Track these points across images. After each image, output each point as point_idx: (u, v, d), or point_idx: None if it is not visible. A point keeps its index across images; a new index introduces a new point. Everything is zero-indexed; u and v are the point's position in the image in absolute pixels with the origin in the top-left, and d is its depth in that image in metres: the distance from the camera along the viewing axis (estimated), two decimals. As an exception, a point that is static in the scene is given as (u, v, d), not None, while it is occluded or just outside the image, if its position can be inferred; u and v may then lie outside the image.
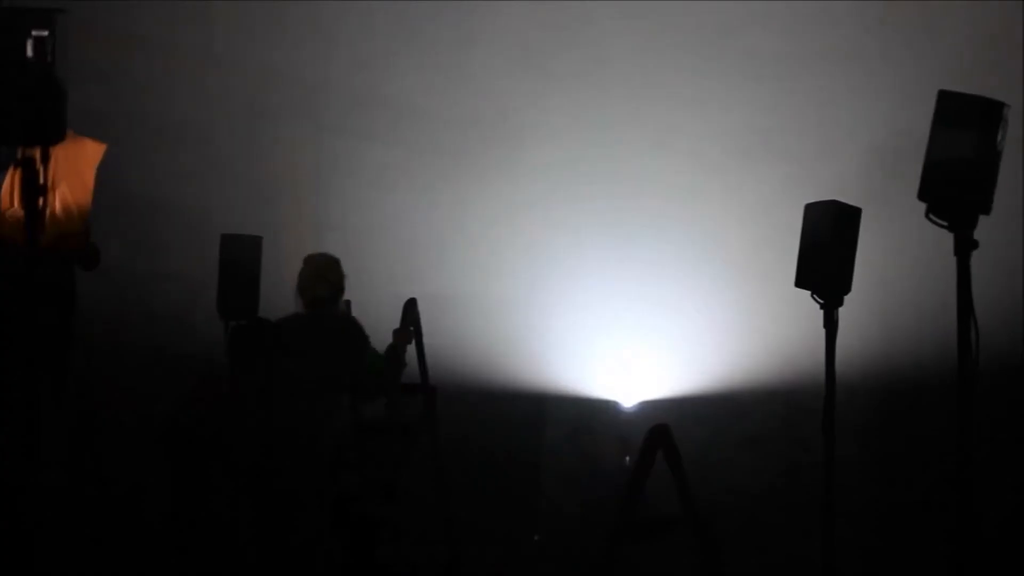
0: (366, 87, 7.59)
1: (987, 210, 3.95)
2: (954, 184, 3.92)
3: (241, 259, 6.25)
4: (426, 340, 6.11)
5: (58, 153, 4.10)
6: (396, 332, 6.00)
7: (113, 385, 6.95)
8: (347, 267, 6.08)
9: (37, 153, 3.92)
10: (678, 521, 5.81)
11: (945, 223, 3.94)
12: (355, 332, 5.82)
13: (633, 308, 7.62)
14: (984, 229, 3.96)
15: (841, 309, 5.27)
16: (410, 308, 6.05)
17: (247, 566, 5.29)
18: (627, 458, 6.02)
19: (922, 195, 4.01)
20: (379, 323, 6.24)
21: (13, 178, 4.53)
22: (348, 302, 6.02)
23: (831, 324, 5.20)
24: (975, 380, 3.93)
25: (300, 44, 7.57)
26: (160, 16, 7.54)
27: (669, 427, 5.93)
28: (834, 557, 5.06)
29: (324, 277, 5.92)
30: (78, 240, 5.21)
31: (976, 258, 3.94)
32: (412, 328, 6.02)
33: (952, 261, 3.94)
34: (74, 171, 5.15)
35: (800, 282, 5.37)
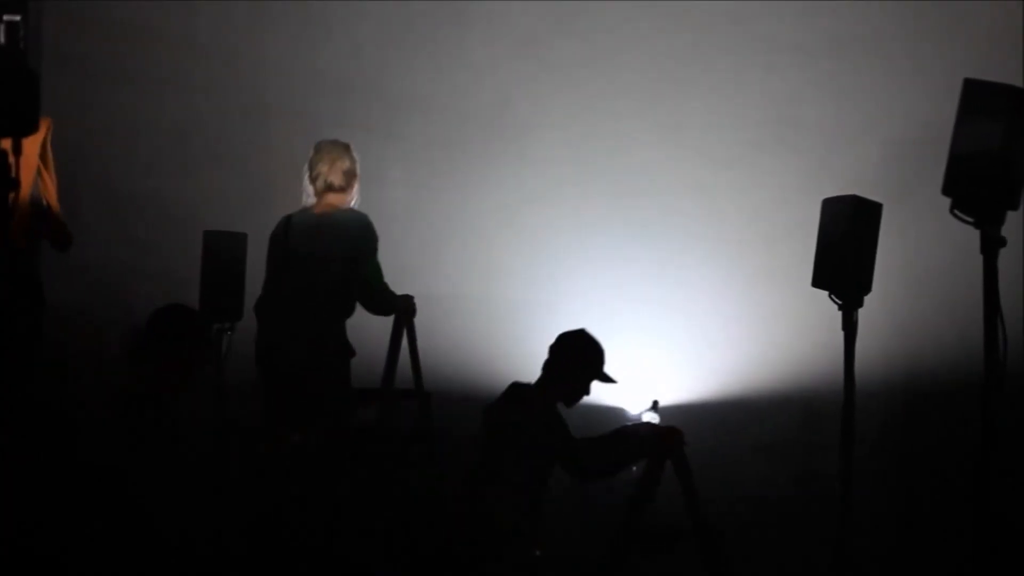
0: (359, 76, 7.58)
1: (1015, 205, 3.92)
2: (980, 178, 3.90)
3: (226, 258, 6.24)
4: (421, 343, 6.10)
5: None
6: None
7: (86, 388, 6.93)
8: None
9: (8, 144, 3.91)
10: (687, 533, 5.79)
11: (971, 219, 3.92)
12: (368, 233, 5.85)
13: (640, 309, 7.60)
14: (1012, 226, 3.94)
15: (861, 310, 5.25)
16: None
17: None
18: (634, 467, 6.00)
19: (946, 190, 3.99)
20: (372, 322, 6.23)
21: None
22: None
23: (850, 326, 5.19)
24: (1002, 385, 3.91)
25: (289, 32, 7.57)
26: (142, 1, 7.53)
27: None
28: (850, 570, 5.05)
29: (336, 163, 5.97)
30: (22, 226, 5.22)
31: (1004, 256, 3.92)
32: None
33: (978, 259, 3.92)
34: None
35: (817, 282, 5.35)
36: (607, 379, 5.82)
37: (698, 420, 7.19)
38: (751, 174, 7.71)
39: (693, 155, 7.68)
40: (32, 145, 5.24)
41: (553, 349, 5.78)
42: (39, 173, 5.35)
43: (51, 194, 5.41)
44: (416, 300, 6.20)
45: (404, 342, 6.17)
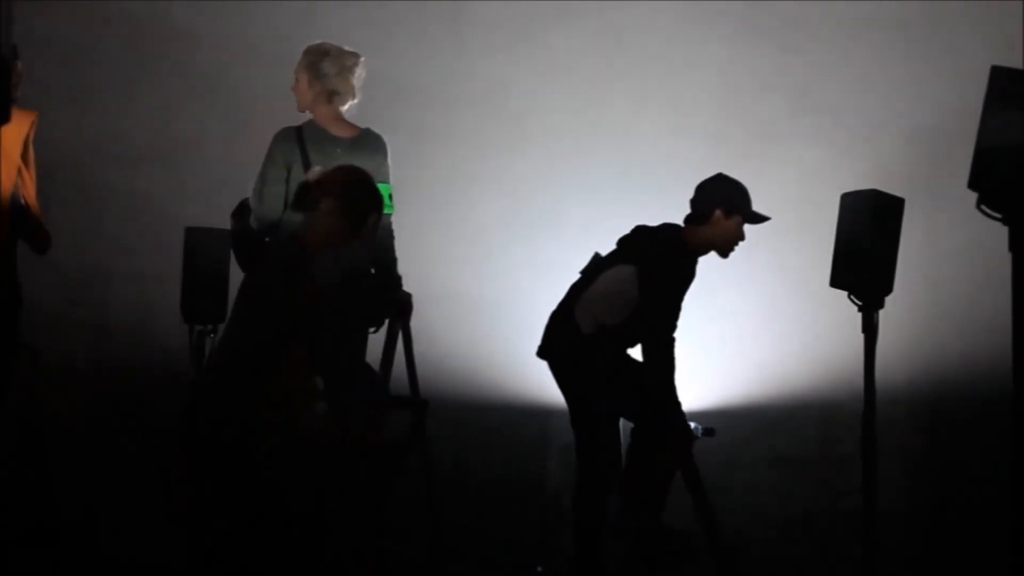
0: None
1: (1046, 200, 3.97)
2: (1009, 171, 3.94)
3: (208, 256, 6.30)
4: (416, 347, 6.13)
5: None
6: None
7: (61, 396, 6.98)
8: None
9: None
10: (698, 550, 5.85)
11: (999, 215, 3.97)
12: (387, 157, 5.91)
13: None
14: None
15: (882, 312, 5.31)
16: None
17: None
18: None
19: (973, 183, 4.04)
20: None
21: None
22: None
23: (870, 329, 5.25)
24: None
25: (273, 15, 7.58)
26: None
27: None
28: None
29: (358, 72, 5.94)
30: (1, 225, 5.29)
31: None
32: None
33: (1007, 257, 3.96)
34: None
35: (836, 281, 5.42)
36: (759, 217, 5.88)
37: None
38: (765, 166, 7.74)
39: (703, 146, 7.70)
40: (13, 140, 5.29)
41: (694, 200, 5.86)
42: (19, 171, 5.40)
43: (30, 193, 5.45)
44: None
45: (399, 346, 6.19)
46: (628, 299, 5.69)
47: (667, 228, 5.87)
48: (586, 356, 5.71)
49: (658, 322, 5.71)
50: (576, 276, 5.93)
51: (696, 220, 5.83)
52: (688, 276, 5.82)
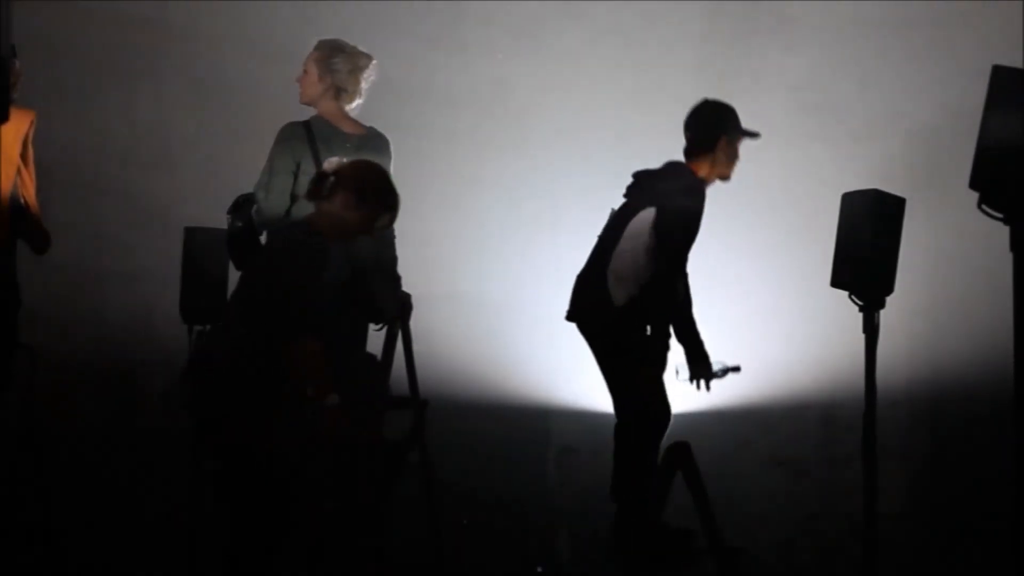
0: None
1: (1047, 200, 3.97)
2: (1010, 171, 3.95)
3: (207, 256, 6.30)
4: (416, 346, 6.13)
5: None
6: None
7: (60, 396, 6.98)
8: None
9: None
10: (700, 552, 5.86)
11: (1000, 215, 3.98)
12: (386, 143, 5.92)
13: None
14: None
15: (883, 312, 5.32)
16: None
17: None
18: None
19: (974, 183, 4.05)
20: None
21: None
22: None
23: (871, 329, 5.26)
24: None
25: (272, 15, 7.59)
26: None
27: (689, 445, 5.98)
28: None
29: (369, 75, 5.92)
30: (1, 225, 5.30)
31: (1035, 254, 3.97)
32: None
33: (1008, 257, 3.96)
34: None
35: (836, 281, 5.43)
36: (750, 133, 5.92)
37: (709, 432, 7.23)
38: (766, 166, 7.73)
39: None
40: (12, 139, 5.30)
41: (695, 132, 5.89)
42: (18, 170, 5.41)
43: (29, 193, 5.46)
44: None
45: (399, 346, 6.20)
46: (655, 245, 5.70)
47: (677, 164, 5.88)
48: (616, 331, 5.71)
49: (679, 258, 5.72)
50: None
51: (702, 151, 5.84)
52: (696, 207, 5.82)
